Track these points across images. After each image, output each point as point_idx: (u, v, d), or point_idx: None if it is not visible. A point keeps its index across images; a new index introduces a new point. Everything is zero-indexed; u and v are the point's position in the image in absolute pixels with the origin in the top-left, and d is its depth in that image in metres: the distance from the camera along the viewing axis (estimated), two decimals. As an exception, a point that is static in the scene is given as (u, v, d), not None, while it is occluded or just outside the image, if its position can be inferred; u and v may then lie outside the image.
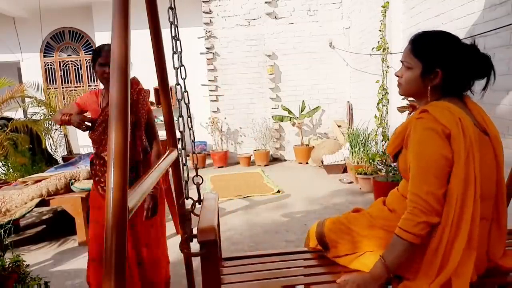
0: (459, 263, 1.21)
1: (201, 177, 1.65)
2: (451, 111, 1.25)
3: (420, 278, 1.26)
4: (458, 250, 1.21)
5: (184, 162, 1.41)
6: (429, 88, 1.33)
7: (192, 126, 1.63)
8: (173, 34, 1.37)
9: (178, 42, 1.40)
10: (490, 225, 1.34)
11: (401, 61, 1.42)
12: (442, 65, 1.30)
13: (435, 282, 1.22)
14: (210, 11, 6.88)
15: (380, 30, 4.92)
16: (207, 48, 6.94)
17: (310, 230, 1.71)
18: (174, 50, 1.39)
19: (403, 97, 1.54)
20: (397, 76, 1.43)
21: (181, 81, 1.41)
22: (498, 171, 1.32)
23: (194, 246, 1.44)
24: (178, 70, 1.41)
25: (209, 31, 6.91)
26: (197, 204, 1.64)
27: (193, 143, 1.58)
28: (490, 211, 1.33)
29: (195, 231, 1.36)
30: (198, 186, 1.64)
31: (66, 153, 7.15)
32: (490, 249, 1.34)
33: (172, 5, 1.32)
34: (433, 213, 1.20)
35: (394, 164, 1.48)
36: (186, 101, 1.57)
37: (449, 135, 1.22)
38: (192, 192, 1.67)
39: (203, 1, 6.84)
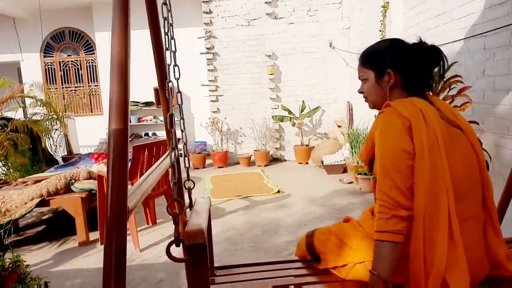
0: (448, 262, 1.16)
1: (193, 181, 1.53)
2: (413, 103, 1.27)
3: (412, 283, 1.21)
4: (441, 247, 1.16)
5: (173, 161, 1.32)
6: (387, 90, 1.37)
7: (184, 129, 1.55)
8: (166, 31, 1.34)
9: (172, 40, 1.37)
10: (484, 225, 1.30)
11: (359, 79, 1.47)
12: (390, 64, 1.35)
13: (429, 284, 1.17)
14: (210, 11, 6.88)
15: (380, 30, 4.92)
16: (207, 48, 6.94)
17: (299, 241, 1.68)
18: (167, 46, 1.36)
19: None
20: (361, 92, 1.48)
21: (174, 80, 1.38)
22: (480, 165, 1.30)
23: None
24: (171, 68, 1.39)
25: (209, 31, 6.91)
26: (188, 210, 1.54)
27: (184, 145, 1.52)
28: (478, 210, 1.28)
29: None
30: (189, 191, 1.55)
31: (66, 153, 7.15)
32: (490, 250, 1.29)
33: (166, 1, 1.29)
34: (399, 207, 1.17)
35: (372, 173, 1.46)
36: (179, 102, 1.55)
37: (409, 127, 1.21)
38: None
39: (203, 1, 6.84)
